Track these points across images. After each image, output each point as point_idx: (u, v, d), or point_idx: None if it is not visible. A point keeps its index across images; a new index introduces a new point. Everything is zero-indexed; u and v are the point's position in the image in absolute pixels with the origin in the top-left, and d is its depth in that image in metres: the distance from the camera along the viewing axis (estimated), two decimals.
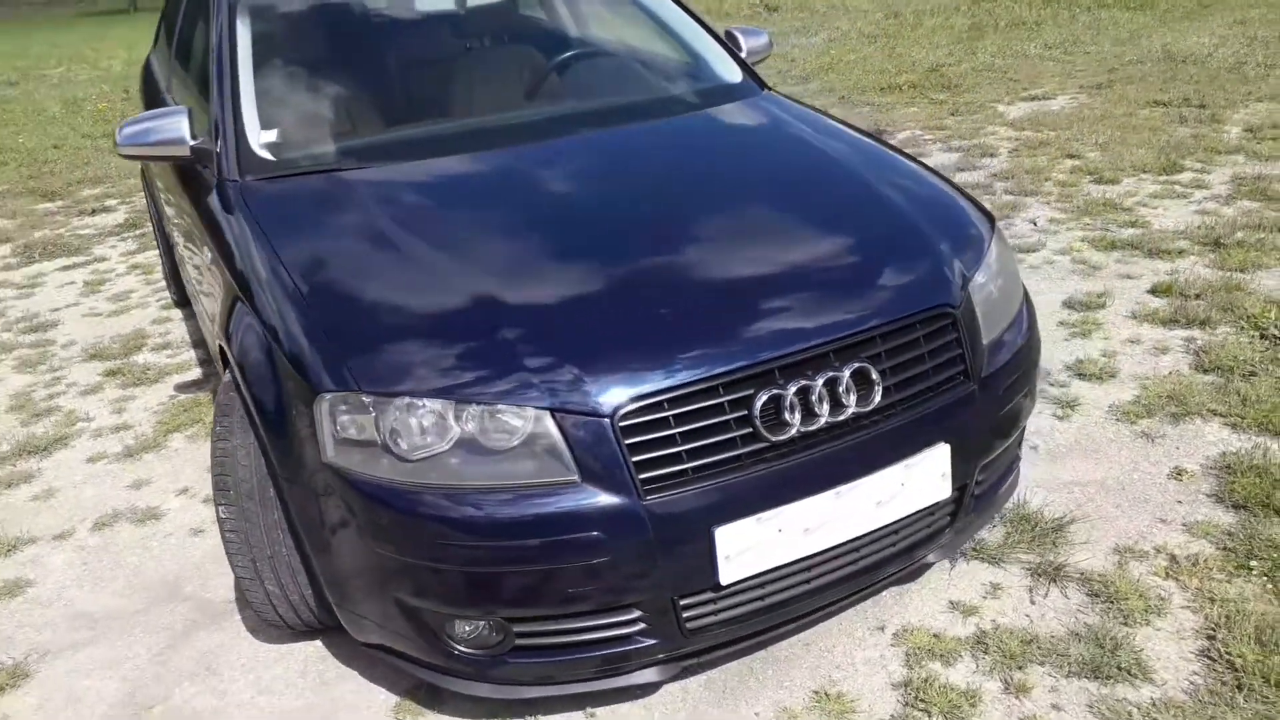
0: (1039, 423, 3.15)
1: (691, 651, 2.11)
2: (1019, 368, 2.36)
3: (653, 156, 2.84)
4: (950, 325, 2.20)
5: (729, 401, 1.96)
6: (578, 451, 1.89)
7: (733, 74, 3.29)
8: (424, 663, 2.13)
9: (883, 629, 2.39)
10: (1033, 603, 2.42)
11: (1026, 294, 2.58)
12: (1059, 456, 2.99)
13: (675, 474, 1.92)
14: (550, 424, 1.90)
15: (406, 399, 1.92)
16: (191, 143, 2.76)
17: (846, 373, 2.02)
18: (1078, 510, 2.73)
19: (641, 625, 2.01)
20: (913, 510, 2.15)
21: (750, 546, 1.97)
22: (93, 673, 2.50)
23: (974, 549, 2.61)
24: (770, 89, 3.25)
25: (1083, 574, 2.49)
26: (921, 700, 2.16)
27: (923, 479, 2.12)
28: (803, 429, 1.99)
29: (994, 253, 2.44)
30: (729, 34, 3.52)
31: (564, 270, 2.25)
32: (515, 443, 1.91)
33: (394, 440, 1.92)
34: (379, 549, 1.97)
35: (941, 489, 2.17)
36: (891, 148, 2.90)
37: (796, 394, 1.98)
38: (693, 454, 1.94)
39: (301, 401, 2.03)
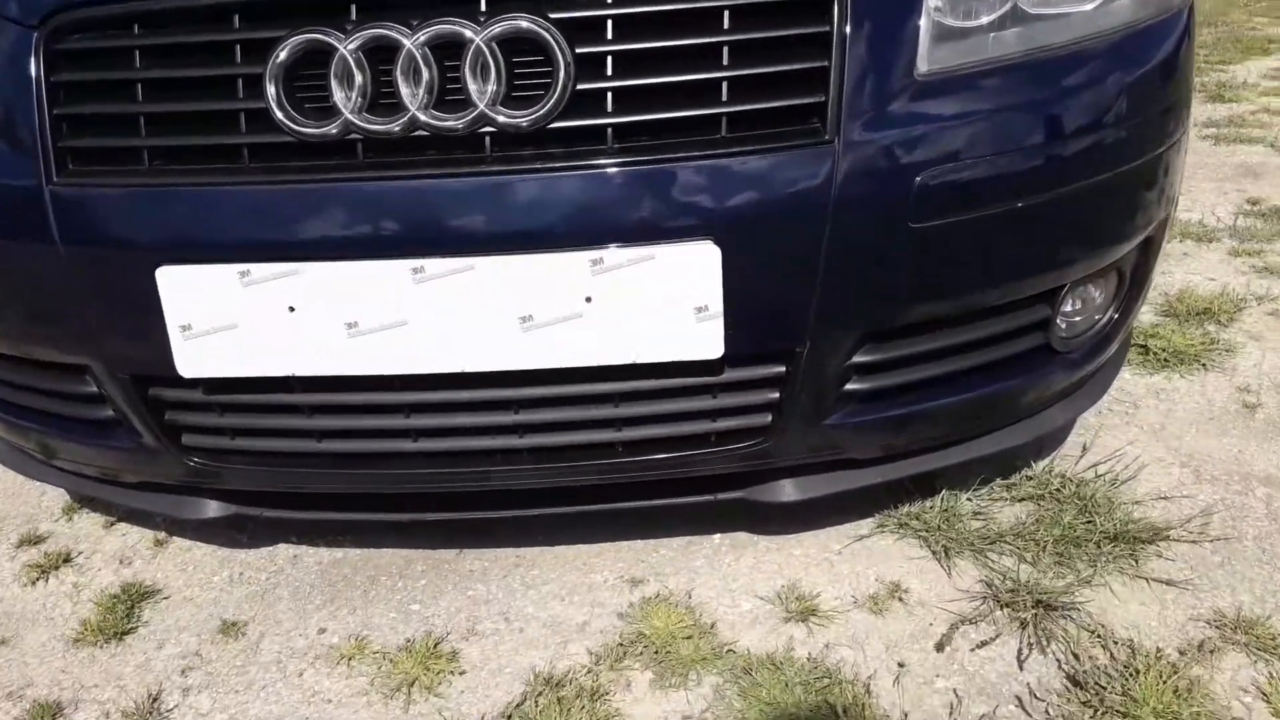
0: None
1: (243, 494, 1.37)
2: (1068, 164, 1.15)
3: None
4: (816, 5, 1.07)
5: (242, 42, 1.08)
6: None
7: None
8: None
9: (637, 584, 1.37)
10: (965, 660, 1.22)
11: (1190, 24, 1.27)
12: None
13: (120, 151, 1.13)
14: None
15: None
16: None
17: (486, 34, 1.04)
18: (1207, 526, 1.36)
19: (110, 412, 1.27)
20: (619, 360, 1.12)
21: (231, 322, 1.12)
22: None
23: (916, 517, 1.41)
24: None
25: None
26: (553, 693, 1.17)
27: (641, 300, 1.08)
28: (368, 124, 1.07)
29: None
30: None
31: None
32: None
33: None
34: None
35: (699, 339, 1.10)
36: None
37: (365, 54, 1.06)
38: (156, 124, 1.12)
39: None
